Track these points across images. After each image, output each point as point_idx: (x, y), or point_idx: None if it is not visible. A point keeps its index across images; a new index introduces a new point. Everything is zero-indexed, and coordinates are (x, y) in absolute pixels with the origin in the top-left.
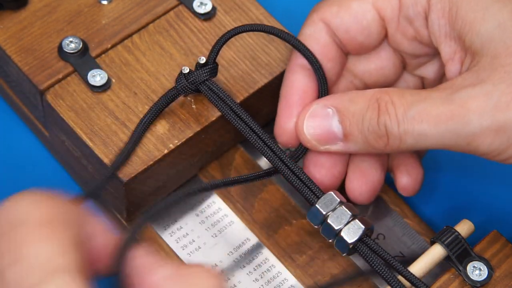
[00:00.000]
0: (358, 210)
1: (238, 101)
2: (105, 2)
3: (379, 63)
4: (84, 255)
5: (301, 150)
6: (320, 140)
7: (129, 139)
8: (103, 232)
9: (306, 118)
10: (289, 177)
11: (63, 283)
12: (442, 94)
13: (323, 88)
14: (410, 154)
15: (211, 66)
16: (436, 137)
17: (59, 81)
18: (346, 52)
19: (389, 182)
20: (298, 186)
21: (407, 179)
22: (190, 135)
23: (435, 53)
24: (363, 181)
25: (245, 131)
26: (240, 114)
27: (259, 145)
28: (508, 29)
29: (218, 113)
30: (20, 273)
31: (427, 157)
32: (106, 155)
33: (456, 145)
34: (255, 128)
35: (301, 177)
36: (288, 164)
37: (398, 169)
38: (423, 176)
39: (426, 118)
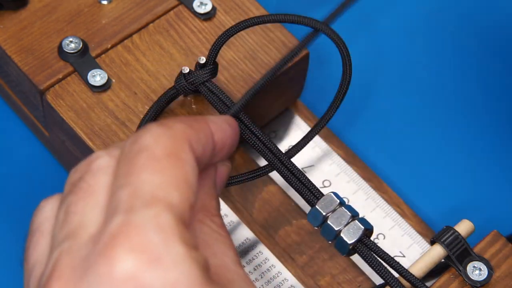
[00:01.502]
0: (357, 211)
1: None
2: (105, 2)
3: None
4: (198, 192)
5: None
6: None
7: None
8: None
9: None
10: (288, 178)
11: (156, 214)
12: None
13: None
14: None
15: (211, 67)
16: None
17: (59, 81)
18: None
19: (389, 182)
20: (297, 187)
21: None
22: None
23: None
24: None
25: (244, 132)
26: (239, 115)
27: (258, 147)
28: None
29: (218, 113)
30: (127, 195)
31: (427, 156)
32: None
33: None
34: (254, 130)
35: (301, 179)
36: (288, 165)
37: None
38: None
39: None
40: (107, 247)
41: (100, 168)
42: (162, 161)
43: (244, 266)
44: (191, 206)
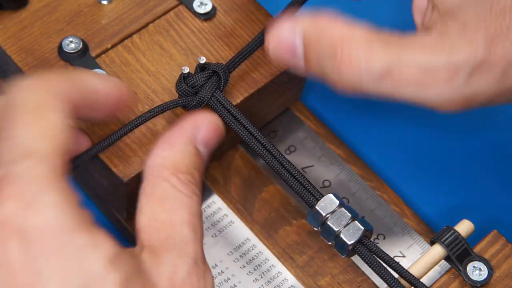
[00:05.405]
0: (357, 212)
1: (238, 101)
2: (105, 2)
3: None
4: (73, 136)
5: None
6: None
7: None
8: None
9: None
10: (288, 179)
11: (32, 165)
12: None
13: None
14: None
15: (211, 70)
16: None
17: None
18: None
19: (389, 182)
20: (297, 188)
21: None
22: None
23: None
24: None
25: (242, 134)
26: (239, 117)
27: (258, 149)
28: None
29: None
30: (7, 149)
31: (427, 156)
32: (106, 155)
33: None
34: (252, 131)
35: (300, 180)
36: (287, 167)
37: None
38: None
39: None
40: None
41: None
42: (31, 114)
43: (244, 266)
44: (62, 152)
